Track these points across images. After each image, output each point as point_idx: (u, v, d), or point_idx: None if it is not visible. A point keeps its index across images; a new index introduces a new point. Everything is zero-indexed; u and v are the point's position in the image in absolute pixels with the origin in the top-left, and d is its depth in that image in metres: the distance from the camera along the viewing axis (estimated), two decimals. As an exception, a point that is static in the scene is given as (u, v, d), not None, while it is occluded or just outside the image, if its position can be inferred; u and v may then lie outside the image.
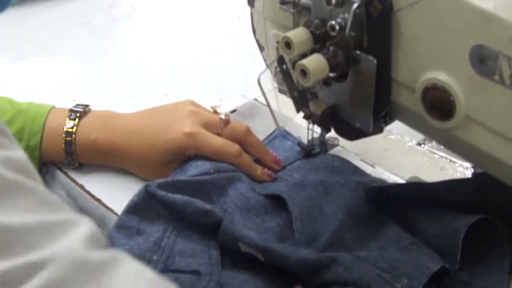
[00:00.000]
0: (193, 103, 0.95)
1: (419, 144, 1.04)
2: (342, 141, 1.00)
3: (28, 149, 0.92)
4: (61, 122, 0.93)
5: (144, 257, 0.77)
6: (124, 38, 1.44)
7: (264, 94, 0.87)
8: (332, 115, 0.81)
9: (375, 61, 0.70)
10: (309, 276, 0.76)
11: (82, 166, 0.96)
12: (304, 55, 0.73)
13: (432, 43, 0.66)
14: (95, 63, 1.32)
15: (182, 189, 0.83)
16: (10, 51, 1.38)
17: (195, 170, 0.87)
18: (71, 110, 0.94)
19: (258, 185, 0.90)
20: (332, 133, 0.91)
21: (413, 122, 0.76)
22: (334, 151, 1.01)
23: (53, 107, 0.96)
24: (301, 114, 0.90)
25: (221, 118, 0.93)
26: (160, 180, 0.83)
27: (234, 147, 0.90)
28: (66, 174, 0.96)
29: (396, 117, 0.77)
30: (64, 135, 0.92)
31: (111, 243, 0.79)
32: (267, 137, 1.00)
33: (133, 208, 0.82)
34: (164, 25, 1.46)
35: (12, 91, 1.22)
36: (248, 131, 0.95)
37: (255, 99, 1.15)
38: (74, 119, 0.93)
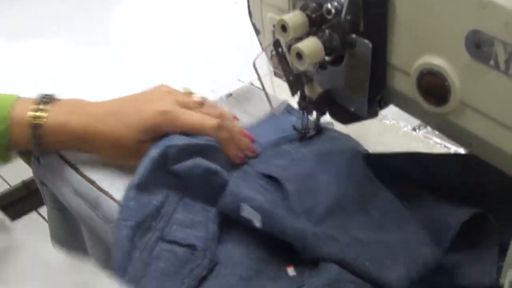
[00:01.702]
0: (167, 86, 0.94)
1: (414, 129, 1.04)
2: (337, 125, 1.00)
3: None
4: (28, 108, 0.89)
5: (143, 223, 0.78)
6: (119, 21, 1.44)
7: (259, 77, 0.86)
8: (327, 99, 0.81)
9: (370, 45, 0.70)
10: (303, 249, 0.77)
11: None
12: (300, 39, 0.73)
13: (428, 28, 0.65)
14: (89, 46, 1.32)
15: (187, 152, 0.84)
16: (4, 33, 1.37)
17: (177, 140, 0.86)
18: (38, 98, 0.91)
19: (253, 160, 0.90)
20: (327, 117, 0.91)
21: (408, 107, 0.76)
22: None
23: (19, 97, 0.92)
24: (296, 97, 0.90)
25: (194, 100, 0.93)
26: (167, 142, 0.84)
27: (212, 120, 0.89)
28: (61, 156, 0.96)
29: (391, 101, 0.77)
30: (31, 120, 0.88)
31: (124, 197, 0.80)
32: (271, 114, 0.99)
33: (144, 176, 0.81)
34: (160, 8, 1.46)
35: (6, 73, 1.22)
36: (223, 115, 0.93)
37: (251, 83, 1.15)
38: (42, 104, 0.90)
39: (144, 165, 0.81)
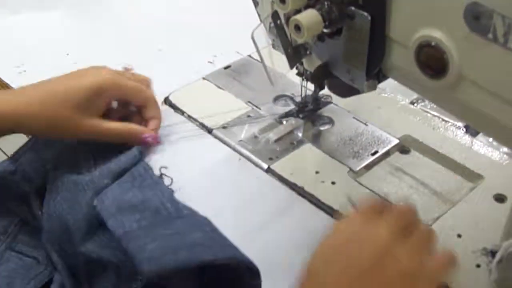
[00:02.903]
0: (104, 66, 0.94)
1: (411, 103, 1.04)
2: (335, 98, 1.00)
3: None
4: None
5: None
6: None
7: (258, 50, 0.86)
8: (325, 72, 0.81)
9: (369, 17, 0.70)
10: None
11: None
12: (298, 11, 0.73)
13: (427, 0, 0.65)
14: (89, 18, 1.32)
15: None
16: (4, 5, 1.37)
17: None
18: None
19: None
20: (325, 91, 0.91)
21: (406, 80, 0.76)
22: (327, 108, 1.01)
23: None
24: (295, 70, 0.90)
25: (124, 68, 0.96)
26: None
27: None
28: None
29: (389, 74, 0.76)
30: None
31: None
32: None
33: None
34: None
35: (7, 45, 1.22)
36: (149, 82, 0.98)
37: (249, 56, 1.15)
38: None
39: None
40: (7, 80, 1.11)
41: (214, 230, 0.77)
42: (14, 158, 0.91)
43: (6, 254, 0.85)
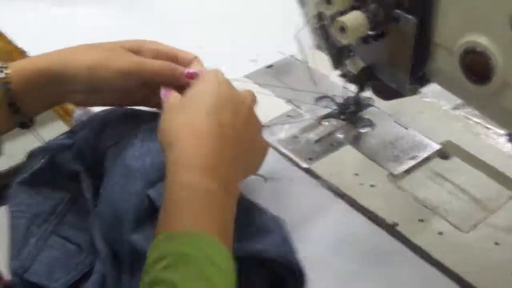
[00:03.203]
0: None
1: (454, 108, 1.03)
2: (377, 101, 1.00)
3: None
4: None
5: (40, 216, 0.86)
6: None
7: (302, 50, 0.86)
8: (368, 74, 0.81)
9: (415, 21, 0.70)
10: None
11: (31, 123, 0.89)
12: (344, 12, 0.73)
13: (473, 6, 0.65)
14: (131, 15, 1.33)
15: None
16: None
17: None
18: None
19: None
20: (367, 93, 0.91)
21: (449, 85, 0.75)
22: (368, 111, 1.01)
23: None
24: (337, 72, 0.90)
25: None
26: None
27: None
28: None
29: (432, 79, 0.76)
30: None
31: (13, 195, 0.87)
32: None
33: (36, 174, 0.88)
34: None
35: (49, 37, 1.23)
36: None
37: (292, 56, 1.15)
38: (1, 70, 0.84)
39: (31, 165, 0.88)
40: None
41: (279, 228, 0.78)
42: (71, 133, 0.90)
43: (50, 239, 0.85)
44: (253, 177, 0.88)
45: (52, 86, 0.85)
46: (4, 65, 0.84)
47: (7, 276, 0.84)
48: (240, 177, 0.77)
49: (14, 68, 0.84)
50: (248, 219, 0.77)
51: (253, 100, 0.83)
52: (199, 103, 0.76)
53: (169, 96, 0.81)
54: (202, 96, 0.77)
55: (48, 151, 0.88)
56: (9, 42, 1.23)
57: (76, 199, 0.88)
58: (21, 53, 1.19)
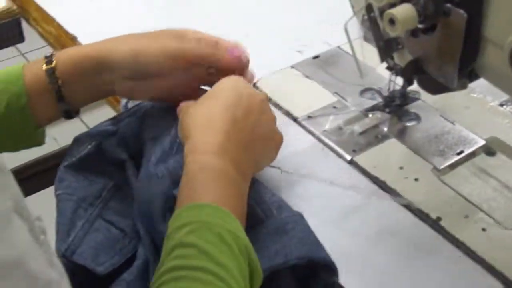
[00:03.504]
0: None
1: (501, 104, 1.02)
2: (423, 95, 0.99)
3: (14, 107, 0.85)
4: (39, 65, 0.86)
5: (86, 199, 0.87)
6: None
7: (350, 41, 0.86)
8: (416, 68, 0.81)
9: (465, 15, 0.69)
10: None
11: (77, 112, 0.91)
12: (393, 4, 0.73)
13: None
14: (175, 2, 1.33)
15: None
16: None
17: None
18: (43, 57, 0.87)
19: None
20: (413, 86, 0.91)
21: (498, 81, 0.75)
22: (414, 104, 1.00)
23: (24, 64, 0.87)
24: (384, 64, 0.90)
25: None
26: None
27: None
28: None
29: (481, 74, 0.76)
30: (45, 68, 0.85)
31: (60, 178, 0.89)
32: None
33: (83, 159, 0.89)
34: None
35: (88, 29, 1.23)
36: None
37: (338, 47, 1.15)
38: (50, 58, 0.86)
39: (78, 150, 0.90)
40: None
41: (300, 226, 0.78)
42: (115, 119, 0.91)
43: (96, 222, 0.86)
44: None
45: (98, 74, 0.87)
46: (52, 53, 0.86)
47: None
48: (253, 166, 0.82)
49: (60, 57, 0.86)
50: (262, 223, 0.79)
51: (266, 97, 0.89)
52: (217, 98, 0.81)
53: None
54: (221, 92, 0.82)
55: (94, 137, 0.90)
56: (59, 27, 1.25)
57: (121, 186, 0.90)
58: (71, 39, 1.20)
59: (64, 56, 0.86)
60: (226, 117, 0.78)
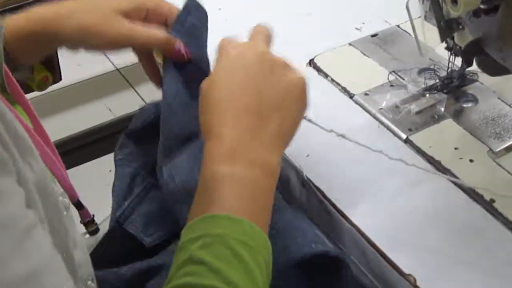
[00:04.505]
0: None
1: (561, 89, 1.01)
2: (482, 76, 0.99)
3: None
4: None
5: (145, 167, 0.89)
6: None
7: (411, 19, 0.86)
8: (476, 49, 0.80)
9: (530, -3, 0.69)
10: None
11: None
12: (457, -16, 0.73)
13: None
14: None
15: None
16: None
17: None
18: None
19: None
20: (472, 68, 0.90)
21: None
22: (472, 86, 1.00)
23: None
24: (443, 45, 0.89)
25: None
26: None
27: None
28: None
29: (543, 58, 0.75)
30: None
31: (121, 144, 0.91)
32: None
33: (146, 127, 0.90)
34: None
35: None
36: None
37: (397, 26, 1.14)
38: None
39: (143, 118, 0.91)
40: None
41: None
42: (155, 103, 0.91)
43: (151, 192, 0.88)
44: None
45: (45, 43, 0.87)
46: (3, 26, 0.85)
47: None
48: (281, 136, 0.74)
49: (9, 28, 0.85)
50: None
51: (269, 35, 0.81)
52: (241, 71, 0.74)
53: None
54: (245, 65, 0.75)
55: (159, 108, 0.90)
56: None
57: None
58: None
59: (12, 27, 0.85)
60: (251, 93, 0.72)
